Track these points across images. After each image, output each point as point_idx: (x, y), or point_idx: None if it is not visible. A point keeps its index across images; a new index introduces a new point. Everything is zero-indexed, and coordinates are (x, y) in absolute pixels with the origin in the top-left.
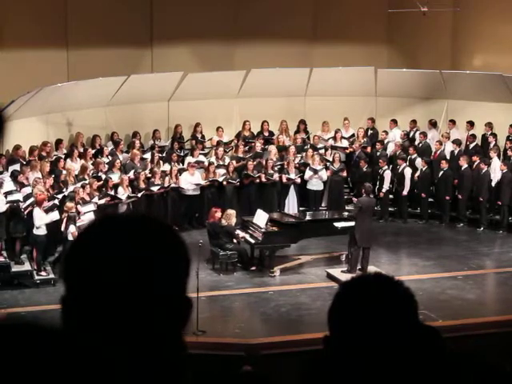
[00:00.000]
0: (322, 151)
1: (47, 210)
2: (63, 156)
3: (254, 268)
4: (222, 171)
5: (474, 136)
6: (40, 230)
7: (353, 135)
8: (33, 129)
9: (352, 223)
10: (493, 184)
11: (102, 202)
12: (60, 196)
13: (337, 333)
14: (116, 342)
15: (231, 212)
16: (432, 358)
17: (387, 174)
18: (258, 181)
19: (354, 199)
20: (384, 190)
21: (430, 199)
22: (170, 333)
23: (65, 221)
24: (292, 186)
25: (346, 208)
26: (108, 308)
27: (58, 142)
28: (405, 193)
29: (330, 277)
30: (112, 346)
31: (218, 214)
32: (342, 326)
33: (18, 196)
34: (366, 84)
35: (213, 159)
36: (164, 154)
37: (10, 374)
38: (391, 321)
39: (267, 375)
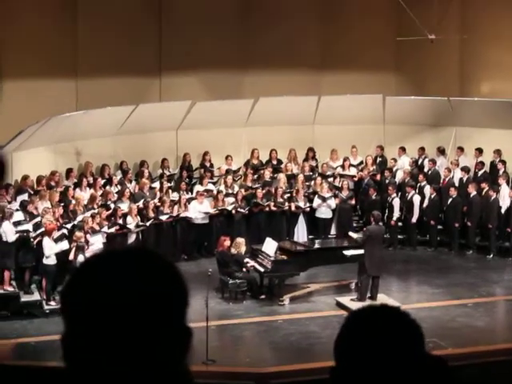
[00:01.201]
0: (331, 179)
1: (56, 240)
2: (72, 185)
3: (263, 296)
4: (231, 200)
5: (482, 163)
6: (49, 260)
7: (361, 163)
8: (41, 158)
9: (361, 251)
10: (502, 211)
11: (111, 231)
12: (69, 226)
13: (343, 363)
14: (121, 375)
15: (241, 240)
16: None
17: (396, 202)
18: (267, 209)
19: (352, 234)
20: (395, 218)
21: (439, 226)
22: (174, 363)
23: (74, 250)
24: (301, 214)
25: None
26: (112, 343)
27: (69, 172)
28: (414, 220)
29: (340, 305)
30: (118, 379)
31: (227, 243)
32: (347, 357)
33: (28, 226)
34: (374, 112)
35: (222, 187)
36: (173, 183)
37: None
38: (397, 352)
39: None
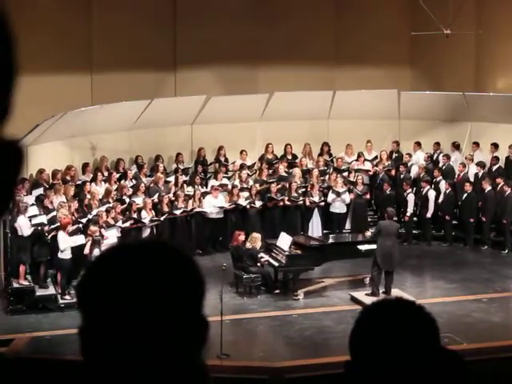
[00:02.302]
0: (346, 174)
1: (72, 234)
2: (89, 180)
3: (277, 291)
4: (246, 194)
5: (497, 158)
6: (65, 254)
7: (376, 157)
8: (57, 153)
9: (375, 246)
10: None
11: (126, 225)
12: (84, 220)
13: (358, 358)
14: (138, 368)
15: (257, 236)
16: (454, 382)
17: (411, 198)
18: (281, 204)
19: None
20: (409, 214)
21: (454, 222)
22: (191, 355)
23: (89, 244)
24: (316, 209)
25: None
26: (128, 336)
27: (85, 166)
28: (429, 215)
29: (354, 300)
30: (136, 373)
31: (242, 237)
32: (362, 351)
33: (43, 219)
34: (389, 107)
35: (236, 182)
36: (187, 178)
37: None
38: (412, 346)
39: None
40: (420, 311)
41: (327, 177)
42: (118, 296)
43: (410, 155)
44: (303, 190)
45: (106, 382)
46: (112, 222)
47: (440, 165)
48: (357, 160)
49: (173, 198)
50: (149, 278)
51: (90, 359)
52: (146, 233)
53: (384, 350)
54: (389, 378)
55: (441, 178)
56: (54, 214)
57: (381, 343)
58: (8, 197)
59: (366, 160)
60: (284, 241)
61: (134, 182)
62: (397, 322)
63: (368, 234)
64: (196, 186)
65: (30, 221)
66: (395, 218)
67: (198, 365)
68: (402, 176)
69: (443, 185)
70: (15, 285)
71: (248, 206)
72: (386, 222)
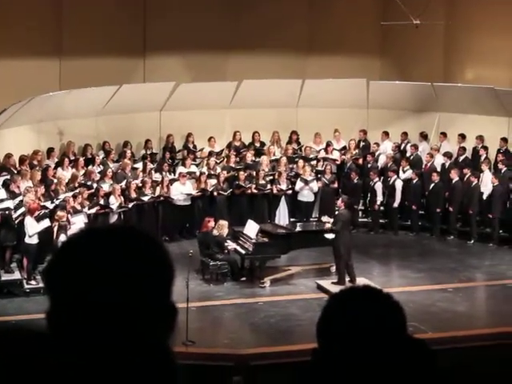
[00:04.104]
0: (314, 162)
1: (38, 219)
2: (53, 165)
3: (244, 279)
4: (214, 181)
5: (464, 148)
6: (32, 239)
7: (344, 147)
8: (24, 137)
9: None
10: (484, 197)
11: (93, 211)
12: (51, 205)
13: (325, 345)
14: (105, 353)
15: (223, 223)
16: (421, 371)
17: (378, 186)
18: (249, 191)
19: (324, 218)
20: (378, 203)
21: (421, 211)
22: (159, 341)
23: (56, 230)
24: (283, 197)
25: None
26: (95, 320)
27: (50, 151)
28: (395, 205)
29: (320, 288)
30: (100, 358)
31: (211, 224)
32: (330, 339)
33: (9, 204)
34: (357, 96)
35: (204, 169)
36: (155, 165)
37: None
38: (379, 334)
39: None
40: (387, 299)
41: (295, 165)
42: (85, 281)
43: (377, 144)
44: (271, 177)
45: (73, 366)
46: (79, 207)
47: (408, 154)
48: (325, 149)
49: (140, 185)
50: (116, 262)
51: (58, 343)
52: (114, 219)
53: (351, 337)
54: (356, 365)
55: (408, 167)
56: (20, 198)
57: (348, 331)
58: None
59: (334, 149)
60: (251, 228)
61: (102, 167)
62: (364, 310)
63: (326, 218)
64: (164, 173)
65: None
66: (356, 207)
67: (164, 350)
68: (369, 165)
69: (409, 174)
70: None
71: (215, 193)
72: (345, 212)
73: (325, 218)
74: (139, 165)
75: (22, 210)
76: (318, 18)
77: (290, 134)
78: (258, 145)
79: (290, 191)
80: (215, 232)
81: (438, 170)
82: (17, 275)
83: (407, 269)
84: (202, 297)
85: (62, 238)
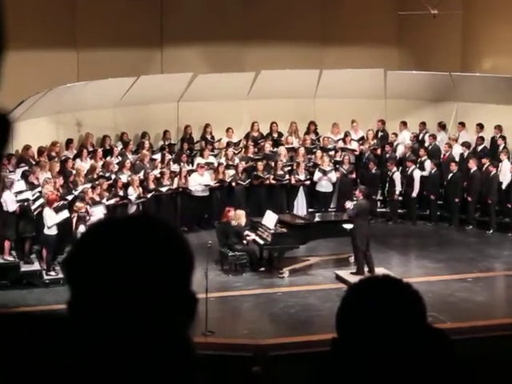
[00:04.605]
0: (332, 153)
1: (57, 210)
2: (72, 156)
3: (262, 269)
4: (232, 172)
5: (482, 138)
6: (51, 230)
7: (362, 137)
8: (42, 129)
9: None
10: (503, 187)
11: (112, 202)
12: (69, 197)
13: (344, 335)
14: (124, 343)
15: (241, 212)
16: (440, 360)
17: (397, 177)
18: (267, 182)
19: (348, 204)
20: (397, 193)
21: (440, 201)
22: (179, 331)
23: (75, 221)
24: (301, 188)
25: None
26: (115, 310)
27: (69, 142)
28: (414, 195)
29: (339, 278)
30: (120, 347)
31: (232, 214)
32: (349, 329)
33: (28, 195)
34: (375, 86)
35: (222, 160)
36: (173, 155)
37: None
38: (399, 323)
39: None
40: (407, 289)
41: (313, 155)
42: (105, 270)
43: (395, 135)
44: (289, 168)
45: (94, 356)
46: (97, 198)
47: (426, 144)
48: (343, 140)
49: (158, 176)
50: (135, 252)
51: (79, 332)
52: (132, 210)
53: (371, 327)
54: (375, 355)
55: (426, 157)
56: (39, 189)
57: (368, 320)
58: None
59: (352, 140)
60: (270, 219)
61: (120, 158)
62: (384, 300)
63: (349, 203)
64: (182, 164)
65: (16, 196)
66: (374, 197)
67: (184, 340)
68: (387, 155)
69: (428, 164)
70: (0, 260)
71: (234, 184)
72: (363, 202)
73: (348, 204)
74: (157, 156)
75: (41, 201)
76: (335, 8)
77: (308, 124)
78: (275, 135)
79: (308, 182)
80: (233, 222)
81: (457, 159)
82: (36, 266)
83: (426, 259)
84: (220, 287)
85: (81, 228)
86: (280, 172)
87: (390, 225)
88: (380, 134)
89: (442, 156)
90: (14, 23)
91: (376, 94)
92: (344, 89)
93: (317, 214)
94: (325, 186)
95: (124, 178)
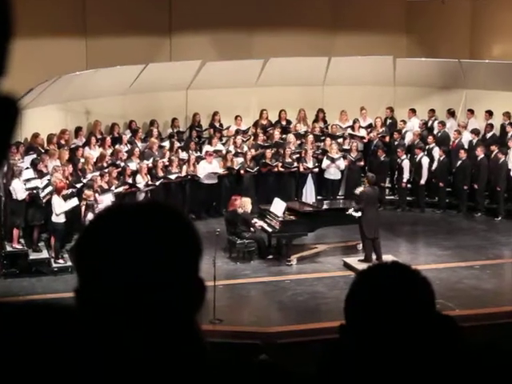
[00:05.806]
0: (340, 140)
1: (66, 198)
2: (81, 144)
3: (270, 257)
4: (240, 160)
5: (491, 125)
6: (59, 218)
7: (370, 125)
8: (51, 117)
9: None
10: (511, 174)
11: (120, 190)
12: (78, 184)
13: (353, 321)
14: (132, 330)
15: (246, 199)
16: (448, 347)
17: (405, 164)
18: (275, 169)
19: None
20: (405, 180)
21: (448, 189)
22: (187, 317)
23: (83, 209)
24: (309, 175)
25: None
26: (123, 297)
27: (78, 130)
28: (422, 182)
29: (347, 266)
30: (129, 335)
31: (238, 202)
32: (358, 315)
33: (37, 183)
34: (384, 73)
35: (231, 148)
36: (182, 143)
37: (19, 353)
38: (407, 310)
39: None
40: (416, 275)
41: (322, 143)
42: (113, 257)
43: (404, 122)
44: (297, 155)
45: (102, 343)
46: (106, 186)
47: (435, 132)
48: (352, 127)
49: (167, 163)
50: (144, 239)
51: (86, 316)
52: (141, 197)
53: (379, 313)
54: (383, 341)
55: (434, 144)
56: (48, 177)
57: (376, 306)
58: (3, 151)
59: (360, 127)
60: (278, 206)
61: (129, 146)
62: (393, 286)
63: (359, 190)
64: (190, 152)
65: (25, 185)
66: (383, 184)
67: (192, 327)
68: (396, 143)
69: (437, 151)
70: (9, 248)
71: (242, 172)
72: (369, 190)
73: (358, 190)
74: (166, 143)
75: (50, 189)
76: None
77: (317, 112)
78: (284, 123)
79: (316, 169)
80: (240, 210)
81: (466, 147)
82: (45, 254)
83: (434, 246)
84: (228, 275)
85: (90, 216)
86: (288, 160)
87: (398, 212)
88: (388, 121)
89: (451, 143)
90: (23, 11)
91: (385, 81)
92: (352, 76)
93: (325, 202)
94: (333, 173)
95: (133, 165)
